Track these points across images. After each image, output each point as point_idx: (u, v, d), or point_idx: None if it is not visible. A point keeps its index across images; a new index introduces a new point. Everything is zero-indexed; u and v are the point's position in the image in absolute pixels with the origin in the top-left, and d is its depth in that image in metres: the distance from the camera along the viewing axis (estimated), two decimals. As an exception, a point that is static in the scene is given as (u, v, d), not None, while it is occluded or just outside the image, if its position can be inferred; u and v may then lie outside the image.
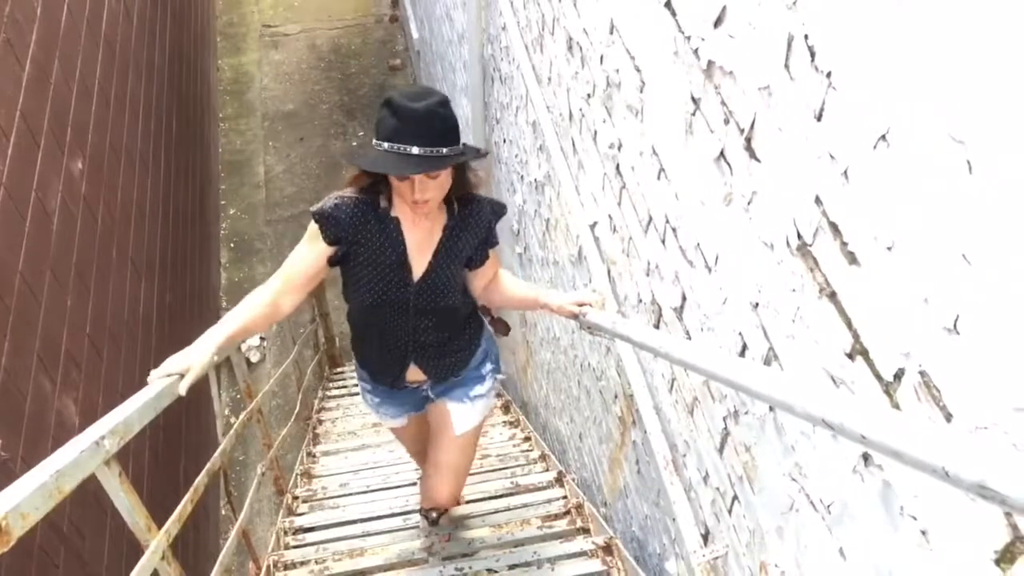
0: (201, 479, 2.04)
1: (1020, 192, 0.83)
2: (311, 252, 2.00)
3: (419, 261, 2.06)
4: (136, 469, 3.87)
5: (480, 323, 2.42)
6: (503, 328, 2.47)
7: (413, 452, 3.05)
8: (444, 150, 1.80)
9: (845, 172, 1.15)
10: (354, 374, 5.47)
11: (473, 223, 2.08)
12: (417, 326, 2.16)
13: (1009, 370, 0.88)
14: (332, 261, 2.03)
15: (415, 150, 1.76)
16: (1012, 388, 0.88)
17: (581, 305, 2.13)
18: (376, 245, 2.00)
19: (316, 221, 1.96)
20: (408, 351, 2.23)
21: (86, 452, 1.38)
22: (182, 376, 1.76)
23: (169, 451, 4.57)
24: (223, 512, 5.75)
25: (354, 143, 8.70)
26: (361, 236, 1.99)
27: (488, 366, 2.48)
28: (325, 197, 1.99)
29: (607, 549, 2.77)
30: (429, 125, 1.78)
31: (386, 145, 1.77)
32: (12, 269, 3.02)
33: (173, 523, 1.79)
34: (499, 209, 2.16)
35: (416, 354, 2.24)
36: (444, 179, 1.89)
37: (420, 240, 2.04)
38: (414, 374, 2.31)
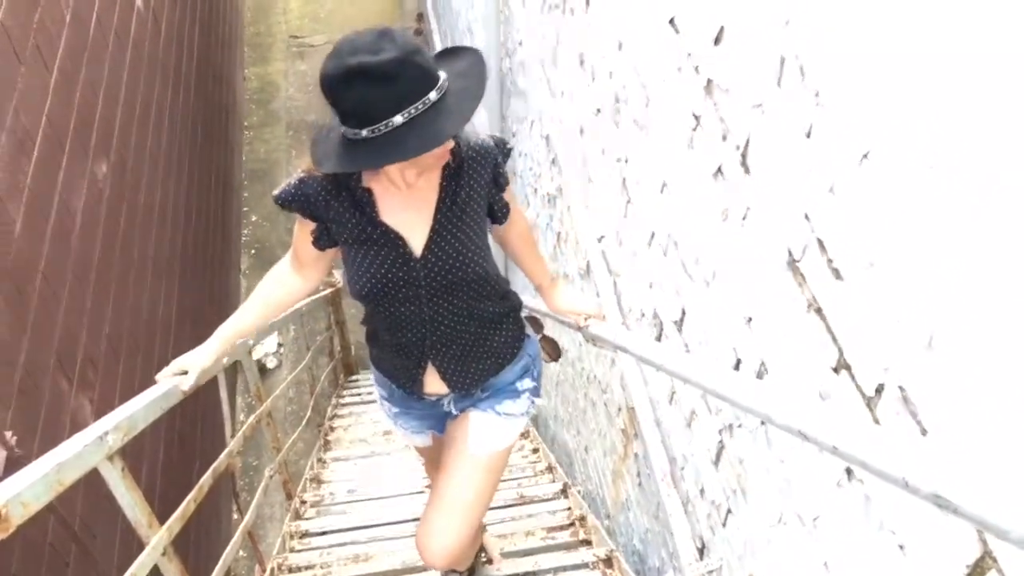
0: (206, 479, 2.08)
1: (989, 212, 0.85)
2: (302, 231, 1.72)
3: (417, 231, 1.66)
4: (149, 473, 3.92)
5: (521, 328, 1.98)
6: (552, 350, 2.11)
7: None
8: (443, 80, 1.41)
9: (831, 189, 1.17)
10: (368, 382, 5.36)
11: (473, 165, 1.67)
12: (435, 313, 1.74)
13: (980, 385, 0.90)
14: (318, 243, 1.72)
15: (433, 95, 1.37)
16: (982, 403, 0.89)
17: (586, 317, 2.02)
18: (352, 223, 1.64)
19: (283, 207, 1.66)
20: (425, 347, 1.80)
21: (89, 446, 1.42)
22: (185, 374, 1.81)
23: (183, 456, 4.62)
24: (235, 517, 5.80)
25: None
26: (335, 213, 1.64)
27: (528, 383, 2.00)
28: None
29: (608, 562, 2.78)
30: (418, 68, 1.36)
31: (398, 119, 1.36)
32: (34, 268, 3.09)
33: (175, 520, 1.82)
34: (502, 142, 1.74)
35: (434, 352, 1.81)
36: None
37: (410, 206, 1.65)
38: (433, 384, 1.88)
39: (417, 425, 2.11)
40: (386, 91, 1.34)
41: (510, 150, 1.75)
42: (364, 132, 1.38)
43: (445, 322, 1.77)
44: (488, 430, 1.94)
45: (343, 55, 1.34)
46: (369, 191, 1.62)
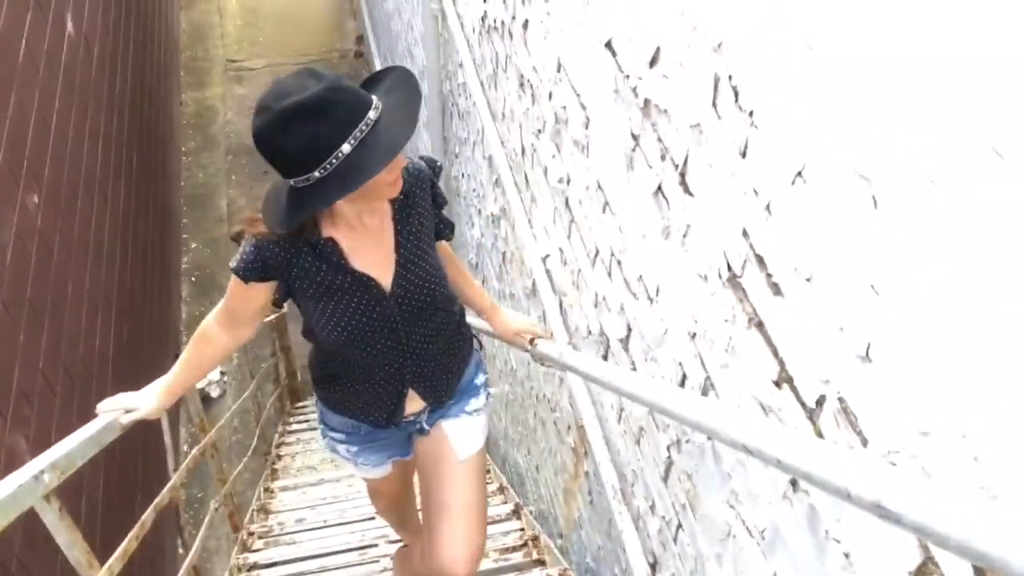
0: (148, 514, 2.02)
1: (919, 226, 0.87)
2: (247, 293, 1.65)
3: (382, 267, 1.66)
4: (89, 509, 3.80)
5: (469, 327, 2.03)
6: None
7: (394, 513, 2.51)
8: (376, 100, 1.40)
9: (768, 206, 1.19)
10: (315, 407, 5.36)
11: (415, 190, 1.68)
12: (410, 341, 1.76)
13: (915, 395, 0.92)
14: (279, 303, 1.70)
15: (372, 114, 1.37)
16: (919, 412, 0.92)
17: (532, 339, 2.02)
18: (321, 276, 1.62)
19: (244, 279, 1.60)
20: (405, 376, 1.82)
21: (24, 486, 1.37)
22: (128, 412, 1.78)
23: (124, 489, 4.50)
24: (180, 551, 5.65)
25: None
26: (299, 271, 1.60)
27: (482, 377, 2.08)
28: (240, 248, 1.61)
29: (562, 581, 2.78)
30: (350, 93, 1.37)
31: (346, 148, 1.34)
32: (-38, 303, 2.99)
33: (116, 559, 1.77)
34: (432, 162, 1.76)
35: (413, 376, 1.83)
36: None
37: (372, 246, 1.65)
38: (411, 405, 1.90)
39: (378, 458, 2.08)
40: (326, 123, 1.33)
41: (440, 168, 1.79)
42: (316, 173, 1.36)
43: (420, 346, 1.79)
44: (466, 433, 1.98)
45: (272, 104, 1.32)
46: (332, 240, 1.60)
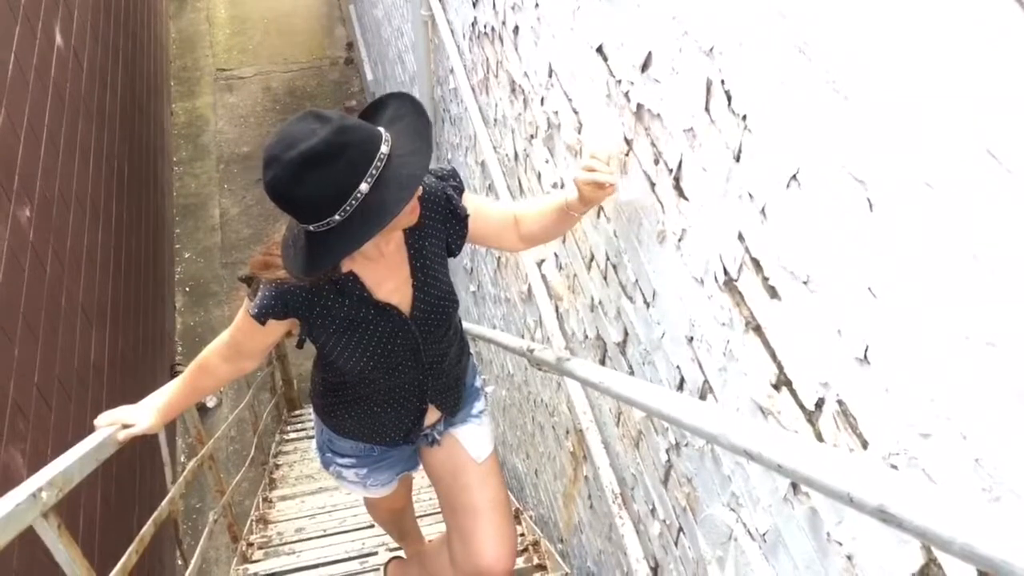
0: (147, 528, 2.02)
1: (915, 228, 0.87)
2: (261, 329, 1.61)
3: (402, 292, 1.66)
4: (87, 523, 3.78)
5: (465, 332, 2.03)
6: None
7: (396, 526, 2.58)
8: (384, 132, 1.36)
9: (763, 210, 1.19)
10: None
11: (426, 211, 1.63)
12: (432, 359, 1.79)
13: (915, 397, 0.92)
14: (299, 343, 1.68)
15: (384, 148, 1.32)
16: (919, 414, 0.92)
17: (593, 173, 1.63)
18: (344, 311, 1.60)
19: (261, 321, 1.56)
20: (426, 393, 1.85)
21: (22, 505, 1.36)
22: (126, 427, 1.78)
23: (122, 502, 4.48)
24: (179, 563, 5.63)
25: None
26: (320, 309, 1.59)
27: (478, 379, 2.10)
28: (259, 291, 1.58)
29: (563, 585, 2.78)
30: (359, 131, 1.32)
31: (364, 187, 1.30)
32: (-45, 320, 2.97)
33: (117, 574, 1.76)
34: (446, 175, 1.71)
35: (433, 391, 1.86)
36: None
37: (390, 274, 1.64)
38: (428, 418, 1.94)
39: (387, 476, 2.11)
40: (340, 166, 1.29)
41: (452, 172, 1.74)
42: (337, 216, 1.31)
43: (436, 362, 1.81)
44: (478, 436, 2.03)
45: (282, 154, 1.28)
46: (353, 274, 1.59)
